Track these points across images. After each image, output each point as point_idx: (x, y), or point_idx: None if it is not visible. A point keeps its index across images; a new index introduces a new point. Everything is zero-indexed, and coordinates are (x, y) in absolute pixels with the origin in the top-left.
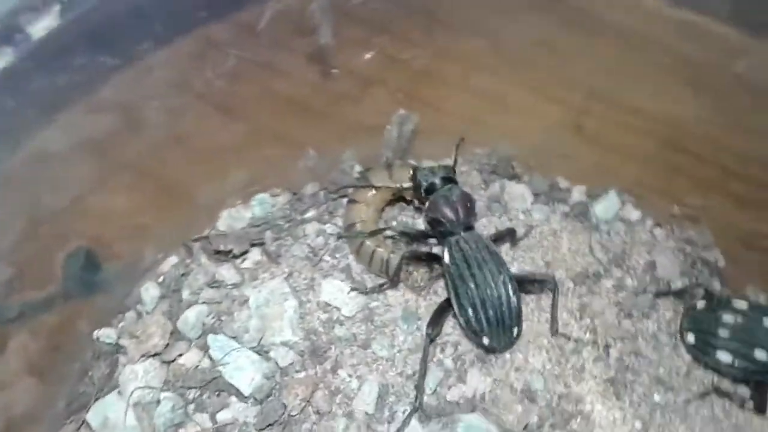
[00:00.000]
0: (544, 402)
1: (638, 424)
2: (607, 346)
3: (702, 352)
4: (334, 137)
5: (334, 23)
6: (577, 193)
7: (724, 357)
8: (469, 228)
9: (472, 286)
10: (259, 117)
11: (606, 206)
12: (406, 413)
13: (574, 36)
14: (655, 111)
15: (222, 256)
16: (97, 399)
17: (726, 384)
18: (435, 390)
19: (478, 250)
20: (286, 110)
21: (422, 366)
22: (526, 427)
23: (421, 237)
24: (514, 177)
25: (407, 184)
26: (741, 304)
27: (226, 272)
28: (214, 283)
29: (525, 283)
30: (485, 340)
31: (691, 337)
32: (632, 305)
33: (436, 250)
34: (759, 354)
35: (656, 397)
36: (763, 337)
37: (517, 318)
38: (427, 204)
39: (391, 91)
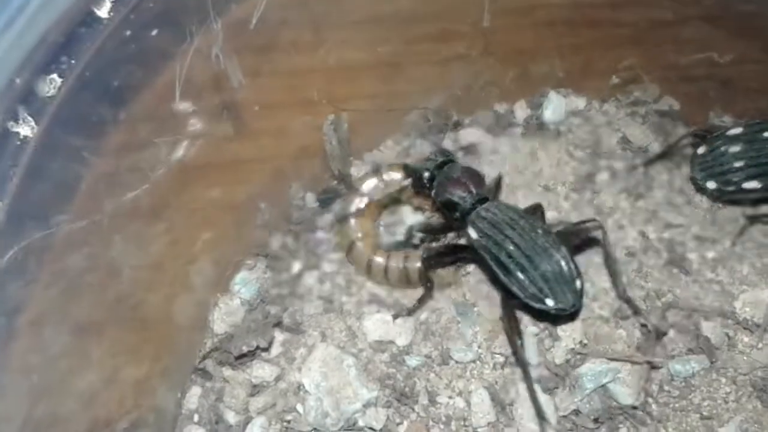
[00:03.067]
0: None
1: (716, 287)
2: (642, 233)
3: (728, 192)
4: (275, 179)
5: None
6: (520, 110)
7: (751, 185)
8: (485, 199)
9: (512, 248)
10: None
11: (553, 109)
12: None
13: None
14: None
15: (247, 357)
16: None
17: (751, 210)
18: (540, 362)
19: (504, 213)
20: (217, 177)
21: (513, 345)
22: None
23: (444, 228)
24: (457, 125)
25: (404, 183)
26: (736, 130)
27: (261, 371)
28: (255, 390)
29: (569, 237)
30: (549, 302)
31: (711, 183)
32: (635, 185)
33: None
34: None
35: (709, 254)
36: None
37: (576, 268)
38: (434, 191)
39: (305, 106)
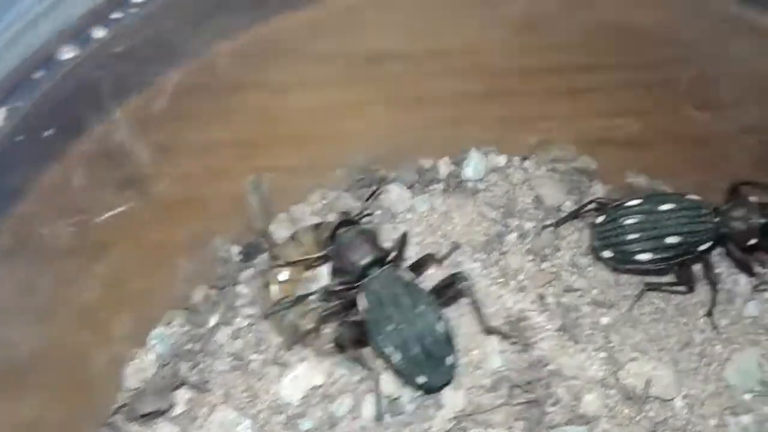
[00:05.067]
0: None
1: (603, 354)
2: (541, 297)
3: (622, 262)
4: (197, 233)
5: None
6: (444, 166)
7: (643, 257)
8: (380, 263)
9: (391, 327)
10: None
11: (474, 166)
12: None
13: None
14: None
15: (153, 415)
16: None
17: (649, 278)
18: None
19: (390, 287)
20: (136, 239)
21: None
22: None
23: (343, 295)
24: (383, 180)
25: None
26: (634, 202)
27: (165, 430)
28: None
29: (441, 294)
30: (421, 379)
31: (607, 253)
32: (541, 246)
33: None
34: (670, 240)
35: (604, 320)
36: (666, 223)
37: (448, 346)
38: (331, 257)
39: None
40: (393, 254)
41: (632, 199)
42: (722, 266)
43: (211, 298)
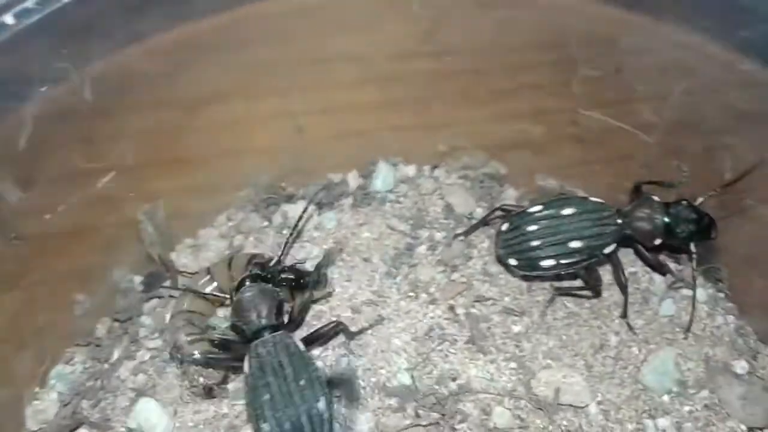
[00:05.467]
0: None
1: (513, 364)
2: (451, 308)
3: (528, 269)
4: (93, 265)
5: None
6: (353, 180)
7: (547, 263)
8: (275, 329)
9: (267, 397)
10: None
11: (383, 178)
12: None
13: None
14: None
15: None
16: None
17: (558, 282)
18: None
19: (276, 354)
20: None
21: None
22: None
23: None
24: (291, 198)
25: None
26: (537, 208)
27: None
28: None
29: (319, 340)
30: None
31: (512, 260)
32: (452, 257)
33: None
34: (573, 245)
35: (515, 328)
36: (568, 227)
37: (327, 426)
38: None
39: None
40: (292, 319)
41: (535, 204)
42: (638, 266)
43: (115, 331)
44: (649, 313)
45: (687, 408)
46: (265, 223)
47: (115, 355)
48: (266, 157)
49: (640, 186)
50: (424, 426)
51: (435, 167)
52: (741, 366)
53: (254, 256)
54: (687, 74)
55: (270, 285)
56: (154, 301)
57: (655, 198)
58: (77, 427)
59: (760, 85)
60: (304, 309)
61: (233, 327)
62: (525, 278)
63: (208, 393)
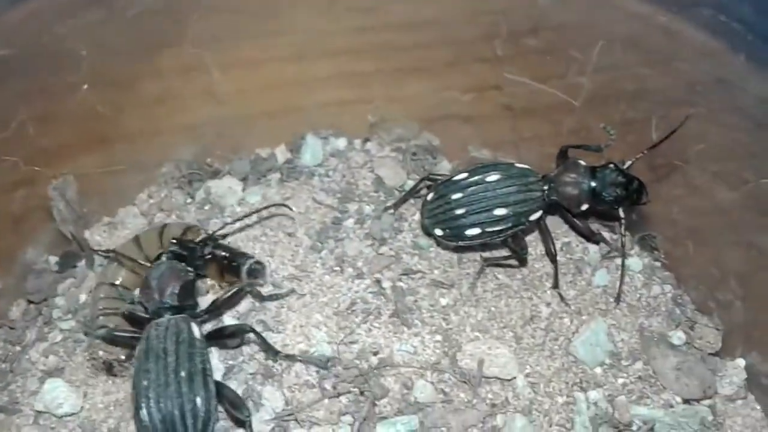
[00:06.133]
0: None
1: (438, 337)
2: (377, 282)
3: (454, 239)
4: (4, 247)
5: None
6: (281, 154)
7: (473, 232)
8: (177, 311)
9: (145, 384)
10: None
11: (311, 152)
12: None
13: None
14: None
15: None
16: None
17: (487, 253)
18: None
19: (164, 339)
20: None
21: None
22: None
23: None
24: (217, 173)
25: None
26: (462, 176)
27: None
28: None
29: (223, 339)
30: None
31: (438, 230)
32: (380, 230)
33: None
34: (498, 212)
35: (443, 301)
36: (492, 195)
37: (197, 424)
38: None
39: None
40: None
41: (460, 173)
42: (572, 236)
43: (30, 313)
44: (582, 284)
45: (620, 380)
46: (189, 200)
47: (29, 337)
48: (190, 132)
49: (566, 150)
50: (340, 400)
51: (367, 140)
52: (678, 336)
53: (190, 227)
54: (605, 33)
55: (184, 263)
56: (69, 281)
57: (582, 162)
58: None
59: (673, 33)
60: (235, 297)
61: (140, 303)
62: (455, 250)
63: (109, 369)
